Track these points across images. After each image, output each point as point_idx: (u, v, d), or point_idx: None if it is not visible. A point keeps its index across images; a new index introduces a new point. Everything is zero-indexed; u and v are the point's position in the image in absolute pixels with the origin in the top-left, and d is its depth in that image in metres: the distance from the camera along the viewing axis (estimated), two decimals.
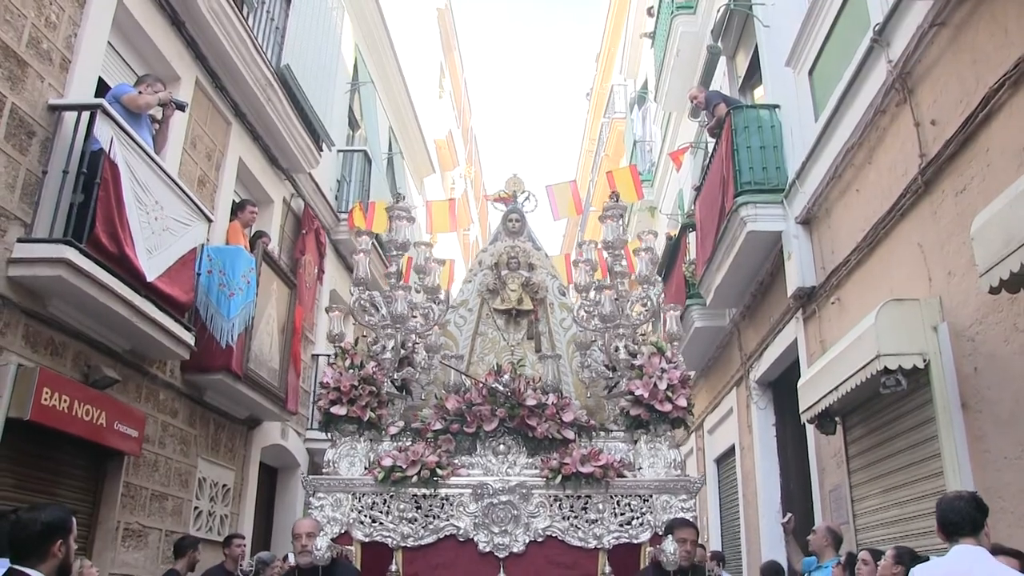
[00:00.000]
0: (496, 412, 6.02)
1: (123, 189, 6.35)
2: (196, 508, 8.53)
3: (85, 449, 6.68)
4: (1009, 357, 4.89)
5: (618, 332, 6.40)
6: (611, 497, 5.84)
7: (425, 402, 6.71)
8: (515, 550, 5.72)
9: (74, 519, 3.29)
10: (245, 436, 9.87)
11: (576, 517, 5.82)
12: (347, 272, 13.03)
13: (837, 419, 7.11)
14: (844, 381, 6.09)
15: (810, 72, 8.12)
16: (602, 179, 14.73)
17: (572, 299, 7.32)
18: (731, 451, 11.69)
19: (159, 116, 7.33)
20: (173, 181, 7.27)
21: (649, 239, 6.92)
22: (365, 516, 5.84)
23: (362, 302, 6.49)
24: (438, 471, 5.82)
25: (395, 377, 6.48)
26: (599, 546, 5.73)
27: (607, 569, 5.67)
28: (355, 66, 14.70)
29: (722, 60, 11.93)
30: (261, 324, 9.09)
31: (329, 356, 6.40)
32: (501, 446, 6.06)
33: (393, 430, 6.23)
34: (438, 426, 6.10)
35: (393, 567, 5.69)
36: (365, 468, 5.97)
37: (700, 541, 6.19)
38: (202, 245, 7.85)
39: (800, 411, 7.21)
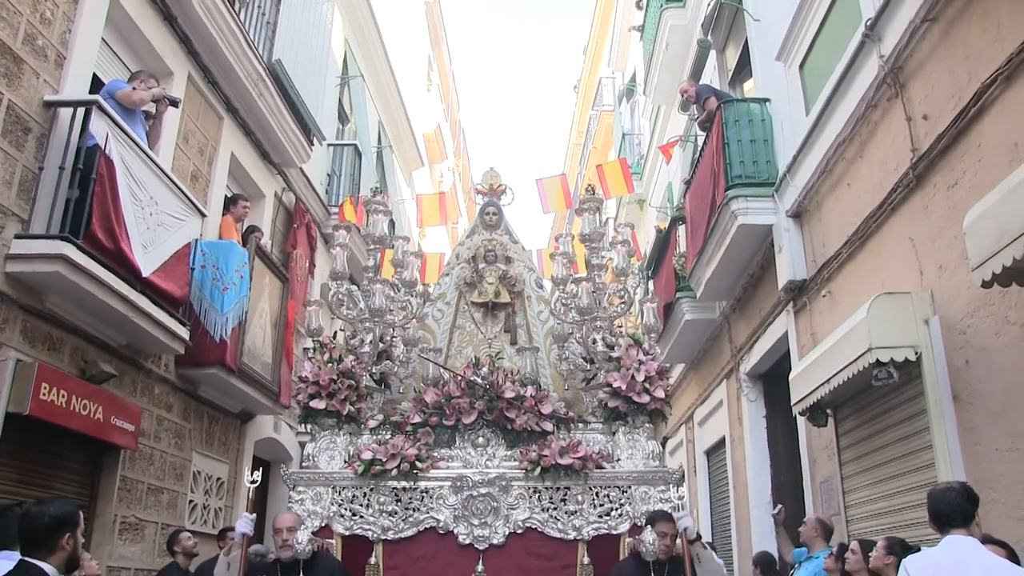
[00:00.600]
0: (475, 405, 6.01)
1: (118, 185, 6.36)
2: (191, 501, 8.58)
3: (83, 443, 6.70)
4: (1000, 350, 4.94)
5: (595, 324, 6.44)
6: (590, 489, 5.86)
7: (404, 395, 6.72)
8: (495, 542, 5.72)
9: (81, 513, 3.32)
10: (238, 430, 9.90)
11: (555, 509, 5.83)
12: None
13: (828, 411, 7.15)
14: (836, 374, 6.14)
15: (801, 66, 8.14)
16: (591, 172, 14.73)
17: (548, 292, 7.35)
18: (721, 443, 11.74)
19: (152, 112, 7.34)
20: (167, 176, 7.28)
21: (625, 232, 6.95)
22: (345, 509, 5.82)
23: (340, 296, 6.50)
24: (418, 464, 5.81)
25: (374, 371, 6.48)
26: (578, 537, 5.74)
27: (586, 560, 5.68)
28: (344, 60, 14.69)
29: (712, 54, 11.96)
30: (254, 318, 9.10)
31: (308, 350, 6.39)
32: (480, 439, 6.06)
33: (372, 423, 6.22)
34: (417, 419, 6.10)
35: (373, 560, 5.68)
36: (345, 462, 5.95)
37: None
38: (196, 240, 7.85)
39: (792, 403, 7.26)
